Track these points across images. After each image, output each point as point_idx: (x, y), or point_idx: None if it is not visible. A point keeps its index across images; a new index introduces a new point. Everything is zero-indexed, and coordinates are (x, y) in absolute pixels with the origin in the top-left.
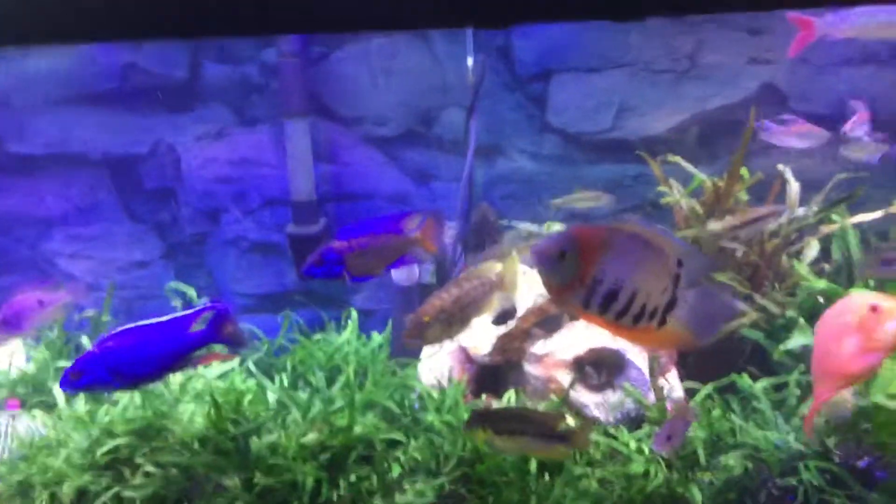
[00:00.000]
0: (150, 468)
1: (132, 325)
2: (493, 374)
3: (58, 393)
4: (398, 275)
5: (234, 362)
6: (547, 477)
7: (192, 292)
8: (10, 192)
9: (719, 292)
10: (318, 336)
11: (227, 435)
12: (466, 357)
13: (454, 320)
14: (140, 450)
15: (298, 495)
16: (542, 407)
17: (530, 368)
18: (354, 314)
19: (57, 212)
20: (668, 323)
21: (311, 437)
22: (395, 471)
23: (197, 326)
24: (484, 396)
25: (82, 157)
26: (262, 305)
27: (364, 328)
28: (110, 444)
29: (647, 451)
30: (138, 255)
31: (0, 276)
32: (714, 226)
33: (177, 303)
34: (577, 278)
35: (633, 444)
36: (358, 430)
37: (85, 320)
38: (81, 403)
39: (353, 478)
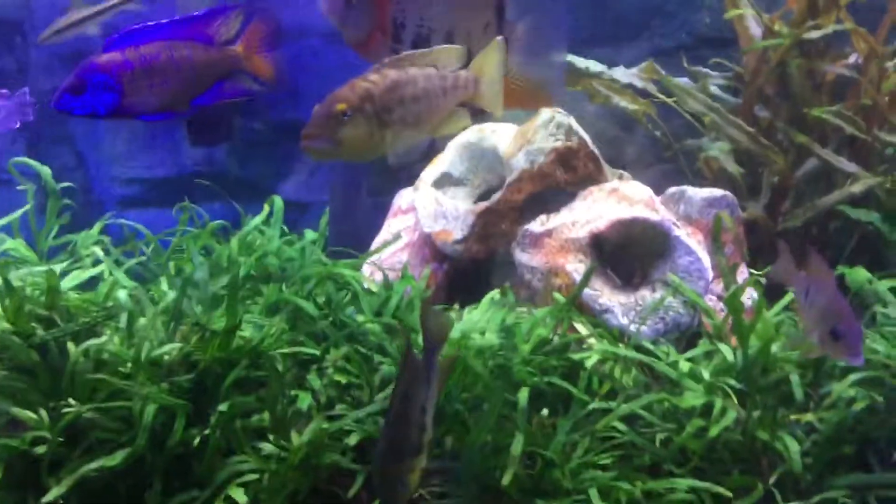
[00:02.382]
0: None
1: None
2: (471, 271)
3: None
4: None
5: (102, 267)
6: (546, 413)
7: (46, 172)
8: None
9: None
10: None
11: (30, 341)
12: (432, 249)
13: (389, 120)
14: None
15: (133, 435)
16: (544, 317)
17: (524, 256)
18: (279, 203)
19: None
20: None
21: (169, 346)
22: (304, 400)
23: None
24: (456, 306)
25: None
26: (153, 196)
27: (299, 226)
28: None
29: (707, 376)
30: None
31: None
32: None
33: (27, 185)
34: (377, 24)
35: (684, 366)
36: (244, 336)
37: None
38: None
39: (224, 408)
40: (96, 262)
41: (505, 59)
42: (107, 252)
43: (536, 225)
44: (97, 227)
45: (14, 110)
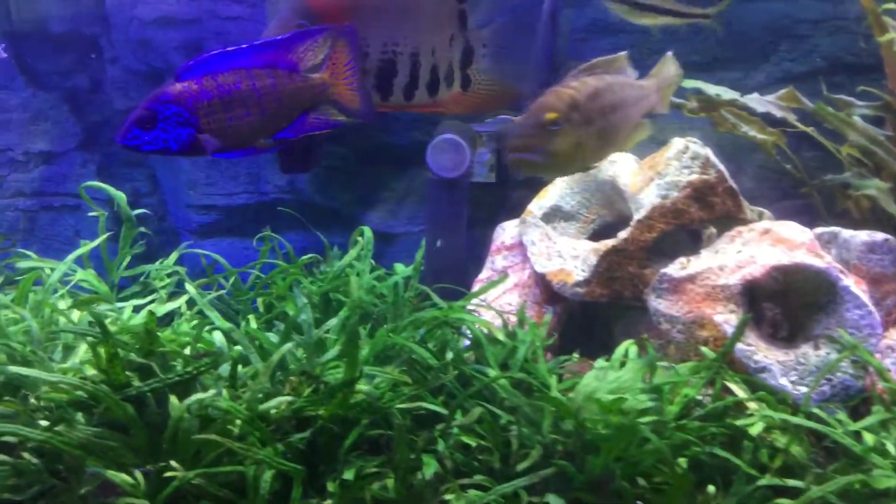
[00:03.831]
0: None
1: None
2: (590, 318)
3: None
4: (439, 161)
5: (180, 301)
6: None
7: (121, 197)
8: None
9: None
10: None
11: (124, 393)
12: (544, 290)
13: (590, 131)
14: None
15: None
16: (690, 374)
17: (661, 304)
18: (368, 233)
19: None
20: (476, 82)
21: (277, 400)
22: (429, 467)
23: None
24: (576, 356)
25: None
26: (232, 224)
27: (384, 258)
28: None
29: (894, 451)
30: (42, 143)
31: None
32: None
33: (99, 212)
34: None
35: (868, 439)
36: (362, 390)
37: None
38: None
39: (349, 476)
40: (172, 296)
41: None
42: (181, 285)
43: (676, 268)
44: (173, 256)
45: None
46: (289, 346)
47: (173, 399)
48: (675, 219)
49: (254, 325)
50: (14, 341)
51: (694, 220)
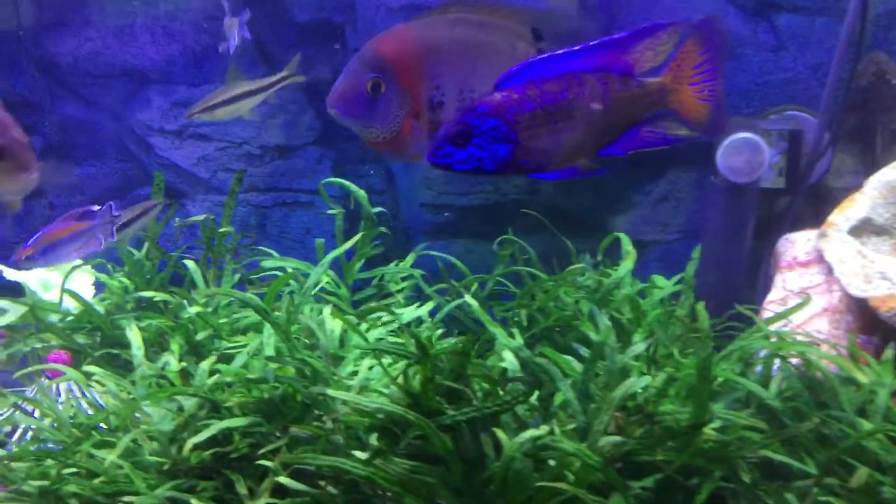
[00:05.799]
0: (284, 480)
1: None
2: None
3: (135, 337)
4: (732, 163)
5: (424, 309)
6: None
7: (362, 195)
8: (84, 26)
9: None
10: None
11: (438, 420)
12: (860, 318)
13: None
14: (269, 441)
15: None
16: None
17: None
18: (627, 242)
19: (156, 59)
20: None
21: (605, 440)
22: None
23: None
24: None
25: None
26: (469, 225)
27: (640, 270)
28: (213, 427)
29: None
30: (279, 136)
31: (81, 163)
32: None
33: (336, 210)
34: (409, 111)
35: None
36: (709, 433)
37: (193, 231)
38: (173, 360)
39: None
40: (408, 300)
41: None
42: (419, 290)
43: None
44: (410, 258)
45: (99, 231)
46: (641, 381)
47: (502, 435)
48: None
49: (519, 340)
50: (306, 354)
51: None
